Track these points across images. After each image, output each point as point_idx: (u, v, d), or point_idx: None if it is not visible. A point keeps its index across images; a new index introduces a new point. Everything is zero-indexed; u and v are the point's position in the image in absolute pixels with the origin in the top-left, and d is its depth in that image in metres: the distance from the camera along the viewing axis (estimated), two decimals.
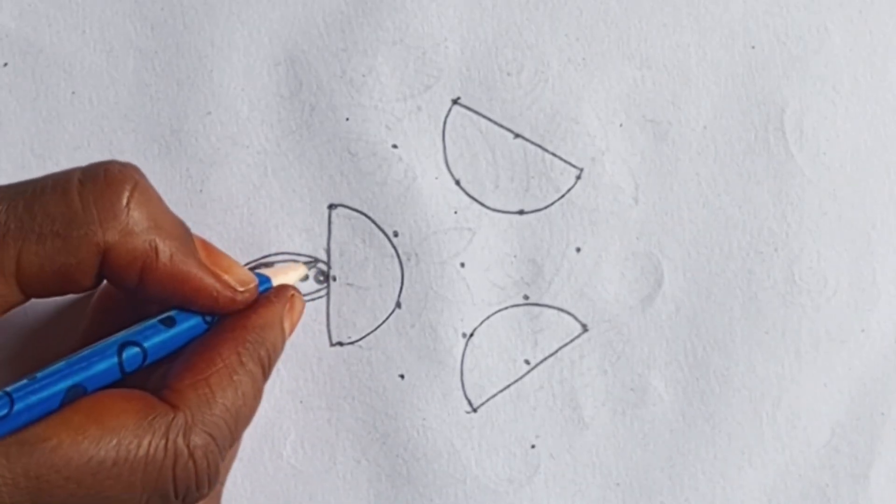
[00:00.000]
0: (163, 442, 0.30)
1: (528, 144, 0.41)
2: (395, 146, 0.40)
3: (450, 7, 0.40)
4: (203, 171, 0.40)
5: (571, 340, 0.41)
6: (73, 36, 0.40)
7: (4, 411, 0.28)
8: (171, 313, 0.33)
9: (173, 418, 0.30)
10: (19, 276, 0.29)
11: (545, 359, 0.41)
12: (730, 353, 0.41)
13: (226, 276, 0.33)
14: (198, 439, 0.30)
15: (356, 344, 0.40)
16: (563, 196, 0.41)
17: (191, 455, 0.30)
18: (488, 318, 0.41)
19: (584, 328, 0.41)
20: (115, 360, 0.31)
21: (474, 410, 0.41)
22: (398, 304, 0.40)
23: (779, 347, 0.41)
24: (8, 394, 0.28)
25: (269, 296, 0.35)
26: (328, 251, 0.40)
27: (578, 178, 0.41)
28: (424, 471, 0.40)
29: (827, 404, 0.42)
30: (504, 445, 0.41)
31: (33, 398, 0.29)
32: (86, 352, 0.31)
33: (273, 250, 0.40)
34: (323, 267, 0.40)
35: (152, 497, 0.30)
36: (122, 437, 0.29)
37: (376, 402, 0.40)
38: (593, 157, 0.41)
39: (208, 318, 0.33)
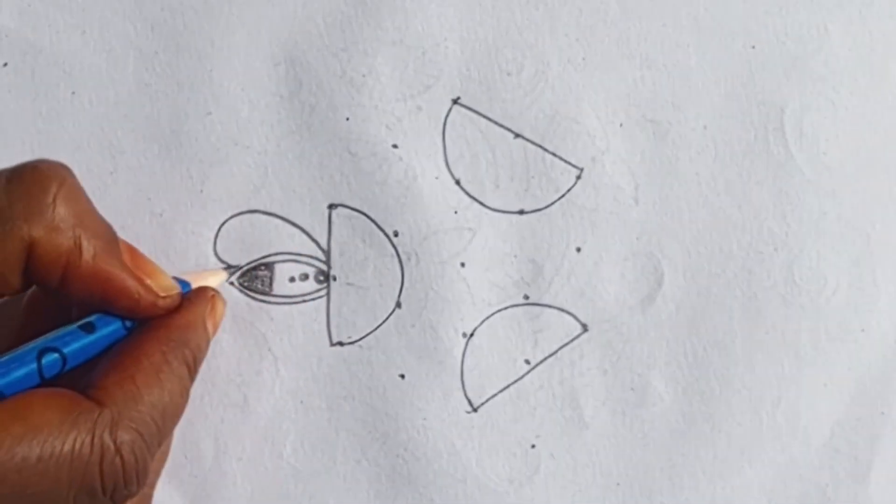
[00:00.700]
0: (88, 438, 0.30)
1: (529, 144, 0.41)
2: (395, 146, 0.40)
3: (450, 7, 0.40)
4: (203, 171, 0.40)
5: (571, 340, 0.41)
6: (73, 36, 0.40)
7: None
8: (91, 319, 0.33)
9: (99, 414, 0.30)
10: None
11: (545, 359, 0.41)
12: (730, 353, 0.41)
13: (148, 281, 0.33)
14: (125, 435, 0.30)
15: (356, 344, 0.40)
16: (563, 196, 0.41)
17: (118, 451, 0.30)
18: (488, 317, 0.41)
19: (585, 328, 0.41)
20: (35, 365, 0.31)
21: (474, 410, 0.41)
22: (398, 304, 0.40)
23: (779, 347, 0.41)
24: None
25: (190, 297, 0.35)
26: (328, 251, 0.40)
27: (578, 177, 0.41)
28: (424, 471, 0.40)
29: (827, 404, 0.42)
30: (504, 445, 0.41)
31: None
32: (4, 358, 0.31)
33: (273, 250, 0.40)
34: (323, 267, 0.40)
35: (79, 494, 0.30)
36: (46, 434, 0.29)
37: (376, 402, 0.40)
38: (593, 157, 0.41)
39: (128, 324, 0.34)
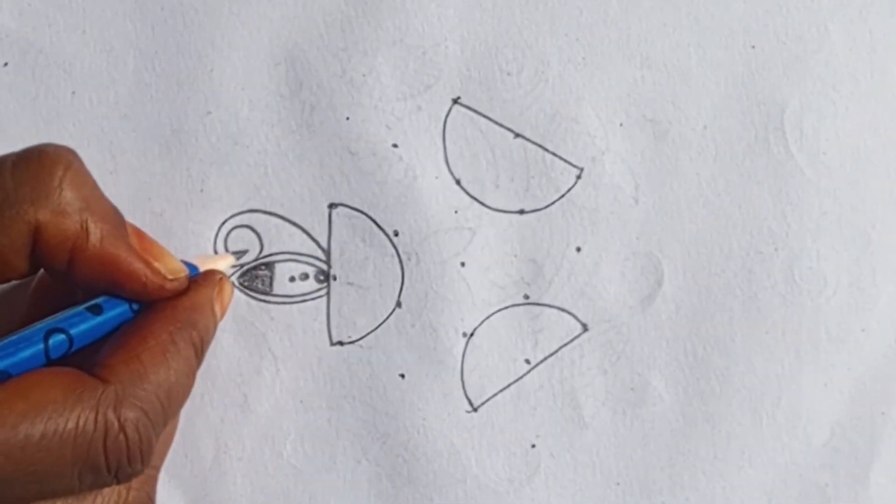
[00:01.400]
0: (92, 414, 0.30)
1: (529, 144, 0.41)
2: (395, 146, 0.40)
3: (450, 7, 0.40)
4: (203, 171, 0.40)
5: (571, 340, 0.41)
6: (73, 36, 0.40)
7: None
8: (98, 300, 0.33)
9: (103, 391, 0.30)
10: None
11: (545, 358, 0.41)
12: (730, 353, 0.41)
13: (156, 264, 0.33)
14: (129, 412, 0.30)
15: (356, 343, 0.40)
16: (563, 196, 0.41)
17: (122, 428, 0.30)
18: (488, 317, 0.41)
19: (585, 328, 0.41)
20: (41, 346, 0.31)
21: (474, 410, 0.41)
22: (398, 304, 0.40)
23: (779, 347, 0.41)
24: None
25: (197, 280, 0.35)
26: (328, 251, 0.40)
27: (578, 177, 0.41)
28: (424, 471, 0.40)
29: (827, 404, 0.42)
30: (504, 445, 0.41)
31: None
32: (12, 338, 0.31)
33: (273, 250, 0.40)
34: (323, 266, 0.40)
35: (83, 471, 0.30)
36: (50, 411, 0.29)
37: (376, 401, 0.40)
38: (593, 156, 0.41)
39: (135, 307, 0.33)
